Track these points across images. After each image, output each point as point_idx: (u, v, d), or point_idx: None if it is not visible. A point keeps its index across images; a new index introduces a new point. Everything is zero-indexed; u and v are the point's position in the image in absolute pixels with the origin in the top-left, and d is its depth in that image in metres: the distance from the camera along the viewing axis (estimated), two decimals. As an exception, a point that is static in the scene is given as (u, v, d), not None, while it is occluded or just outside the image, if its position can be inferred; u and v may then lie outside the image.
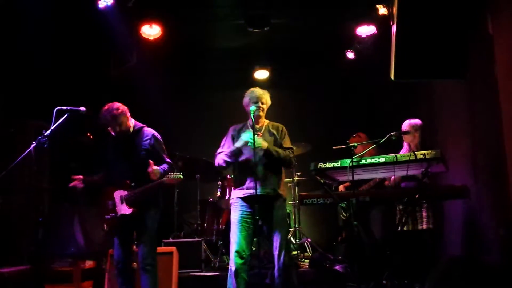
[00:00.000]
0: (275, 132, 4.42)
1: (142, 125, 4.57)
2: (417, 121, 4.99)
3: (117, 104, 4.42)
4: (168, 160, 4.54)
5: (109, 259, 5.04)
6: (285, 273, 4.12)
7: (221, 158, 4.30)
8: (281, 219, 4.29)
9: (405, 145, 5.04)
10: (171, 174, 4.39)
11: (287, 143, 4.41)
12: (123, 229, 4.39)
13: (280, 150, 4.27)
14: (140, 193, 4.31)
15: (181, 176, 4.40)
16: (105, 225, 4.40)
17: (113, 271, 4.61)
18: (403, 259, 4.74)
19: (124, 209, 4.33)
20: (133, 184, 4.34)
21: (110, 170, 4.48)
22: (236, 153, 4.25)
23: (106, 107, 4.39)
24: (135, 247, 4.49)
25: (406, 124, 4.97)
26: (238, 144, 4.23)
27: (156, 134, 4.55)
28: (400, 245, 4.80)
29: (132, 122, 4.51)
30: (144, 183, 4.31)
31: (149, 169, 4.24)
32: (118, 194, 4.38)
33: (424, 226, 4.52)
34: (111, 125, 4.39)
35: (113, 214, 4.36)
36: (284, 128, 4.51)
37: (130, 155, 4.40)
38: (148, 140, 4.47)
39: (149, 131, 4.54)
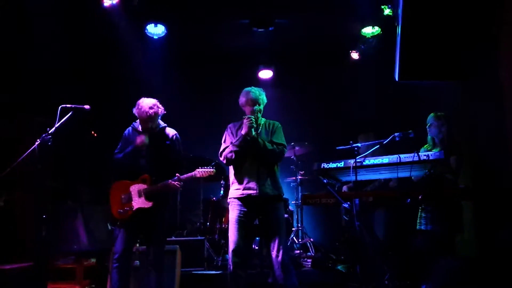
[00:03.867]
0: (270, 129, 4.44)
1: (165, 124, 4.66)
2: (444, 114, 4.71)
3: (156, 103, 4.50)
4: (183, 161, 4.62)
5: (111, 257, 5.04)
6: (285, 273, 4.12)
7: (228, 151, 4.31)
8: (280, 219, 4.29)
9: (429, 140, 4.79)
10: (202, 168, 4.46)
11: (278, 138, 4.40)
12: (134, 224, 4.38)
13: (267, 143, 4.27)
14: (162, 187, 4.36)
15: (214, 170, 4.48)
16: (114, 219, 4.40)
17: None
18: (406, 260, 4.73)
19: (142, 203, 4.35)
20: (153, 178, 4.39)
21: (130, 163, 4.47)
22: (244, 141, 4.23)
23: (152, 102, 4.47)
24: (147, 244, 4.49)
25: (430, 117, 4.74)
26: (243, 131, 4.23)
27: (177, 135, 4.65)
28: (403, 246, 4.80)
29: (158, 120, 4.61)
30: (164, 179, 4.38)
31: (172, 181, 4.36)
32: (136, 188, 4.40)
33: (438, 227, 4.45)
34: (148, 120, 4.45)
35: (127, 208, 4.37)
36: (279, 125, 4.52)
37: (154, 151, 4.47)
38: (171, 140, 4.58)
39: (171, 130, 4.65)
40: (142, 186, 4.39)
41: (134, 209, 4.35)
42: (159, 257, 4.39)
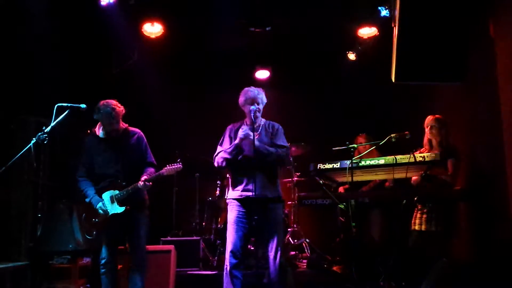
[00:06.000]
0: (271, 131, 4.42)
1: (126, 124, 4.62)
2: (443, 117, 4.72)
3: (117, 102, 4.48)
4: (151, 160, 4.61)
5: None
6: (281, 274, 4.12)
7: (220, 157, 4.29)
8: (277, 221, 4.29)
9: (425, 143, 4.77)
10: (169, 165, 4.45)
11: (280, 141, 4.38)
12: (113, 229, 4.42)
13: (271, 149, 4.25)
14: (132, 190, 4.35)
15: (181, 166, 4.47)
16: (91, 229, 4.42)
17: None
18: (401, 261, 4.74)
19: (116, 208, 4.37)
20: (124, 183, 4.39)
21: (98, 172, 4.49)
22: (236, 150, 4.24)
23: (111, 102, 4.43)
24: (128, 245, 4.50)
25: (430, 119, 4.73)
26: (237, 140, 4.22)
27: (141, 134, 4.63)
28: (398, 247, 4.80)
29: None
30: (134, 181, 4.37)
31: (140, 183, 4.32)
32: (108, 195, 4.41)
33: (433, 228, 4.46)
34: (110, 121, 4.41)
35: (102, 217, 4.39)
36: (280, 126, 4.49)
37: (121, 155, 4.46)
38: (136, 139, 4.56)
39: (134, 130, 4.63)
40: (114, 192, 4.40)
41: (108, 215, 4.38)
42: (141, 257, 4.42)
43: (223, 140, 4.46)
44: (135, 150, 4.53)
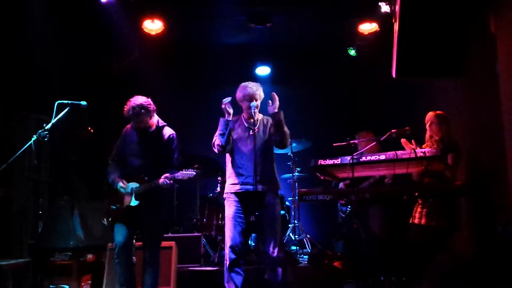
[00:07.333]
0: (268, 125, 4.44)
1: (164, 123, 4.61)
2: (444, 113, 4.69)
3: (149, 101, 4.45)
4: (176, 163, 4.57)
5: (108, 253, 5.04)
6: (280, 269, 4.13)
7: (216, 138, 4.34)
8: (276, 216, 4.29)
9: (427, 139, 4.73)
10: (185, 170, 4.43)
11: None
12: (129, 220, 4.40)
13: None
14: (150, 186, 4.35)
15: (194, 173, 4.42)
16: (107, 215, 4.44)
17: (112, 264, 4.57)
18: (402, 256, 4.75)
19: (131, 201, 4.37)
20: (146, 178, 4.38)
21: (125, 163, 4.51)
22: (226, 125, 4.29)
23: (139, 100, 4.39)
24: (142, 242, 4.50)
25: (431, 116, 4.69)
26: (226, 116, 4.32)
27: (174, 135, 4.59)
28: (399, 242, 4.81)
29: (155, 119, 4.55)
30: (156, 178, 4.35)
31: (161, 180, 4.29)
32: (130, 187, 4.42)
33: (433, 223, 4.45)
34: (137, 118, 4.39)
35: (119, 205, 4.41)
36: None
37: (149, 151, 4.47)
38: (167, 139, 4.54)
39: (168, 130, 4.60)
40: (134, 185, 4.41)
41: (124, 206, 4.39)
42: (154, 254, 4.41)
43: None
44: (163, 149, 4.51)
